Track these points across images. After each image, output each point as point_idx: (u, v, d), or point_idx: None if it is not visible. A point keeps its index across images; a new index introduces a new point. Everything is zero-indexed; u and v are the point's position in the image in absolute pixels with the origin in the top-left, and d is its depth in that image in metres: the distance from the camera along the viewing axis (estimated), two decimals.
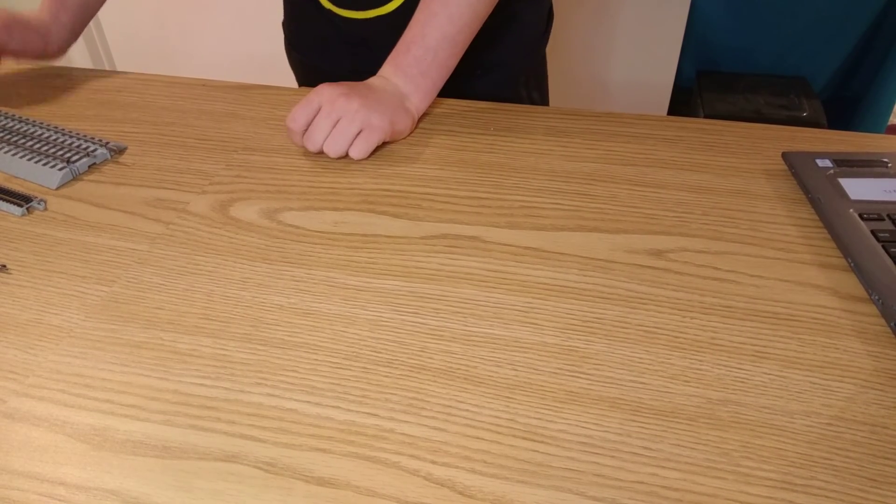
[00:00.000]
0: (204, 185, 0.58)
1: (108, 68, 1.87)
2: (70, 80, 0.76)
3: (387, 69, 0.64)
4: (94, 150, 0.61)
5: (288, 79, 0.85)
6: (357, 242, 0.51)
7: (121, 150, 0.63)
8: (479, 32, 0.67)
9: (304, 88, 0.75)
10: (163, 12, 1.64)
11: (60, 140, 0.62)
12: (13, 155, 0.60)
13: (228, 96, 0.71)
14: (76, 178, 0.59)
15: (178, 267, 0.50)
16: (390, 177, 0.58)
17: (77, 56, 1.84)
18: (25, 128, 0.65)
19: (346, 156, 0.60)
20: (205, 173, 0.59)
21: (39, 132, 0.64)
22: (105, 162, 0.61)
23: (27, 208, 0.55)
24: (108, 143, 0.62)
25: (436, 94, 0.65)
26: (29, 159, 0.60)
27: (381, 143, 0.60)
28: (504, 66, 0.74)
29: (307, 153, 0.62)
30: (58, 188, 0.58)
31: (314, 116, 0.59)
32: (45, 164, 0.59)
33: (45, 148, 0.61)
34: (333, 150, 0.59)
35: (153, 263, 0.50)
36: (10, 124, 0.65)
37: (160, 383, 0.41)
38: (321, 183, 0.58)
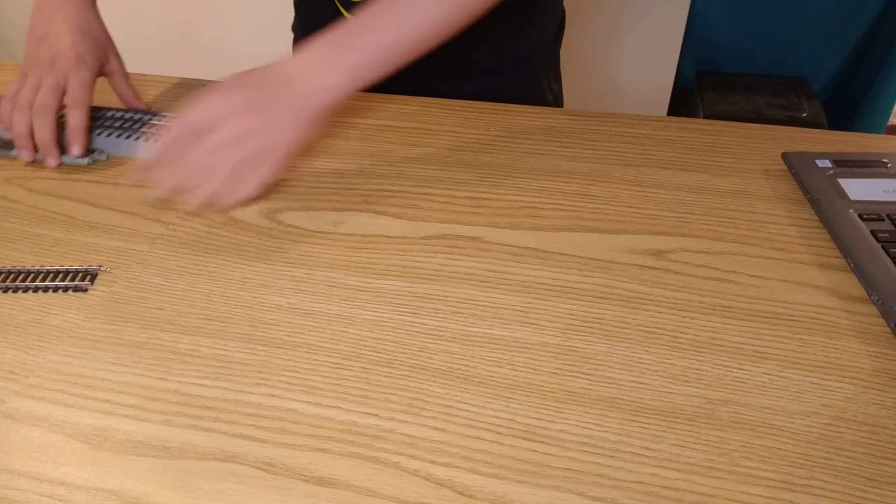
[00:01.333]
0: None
1: None
2: None
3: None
4: None
5: None
6: (357, 242, 0.51)
7: None
8: (508, 27, 0.68)
9: None
10: (163, 12, 1.64)
11: None
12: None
13: None
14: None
15: (178, 267, 0.50)
16: (390, 177, 0.58)
17: None
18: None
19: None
20: None
21: None
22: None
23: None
24: None
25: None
26: None
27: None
28: (530, 60, 0.75)
29: (307, 153, 0.62)
30: None
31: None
32: None
33: None
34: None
35: (153, 263, 0.50)
36: (142, 117, 0.66)
37: (160, 383, 0.41)
38: (321, 183, 0.58)
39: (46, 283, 0.48)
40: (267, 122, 0.52)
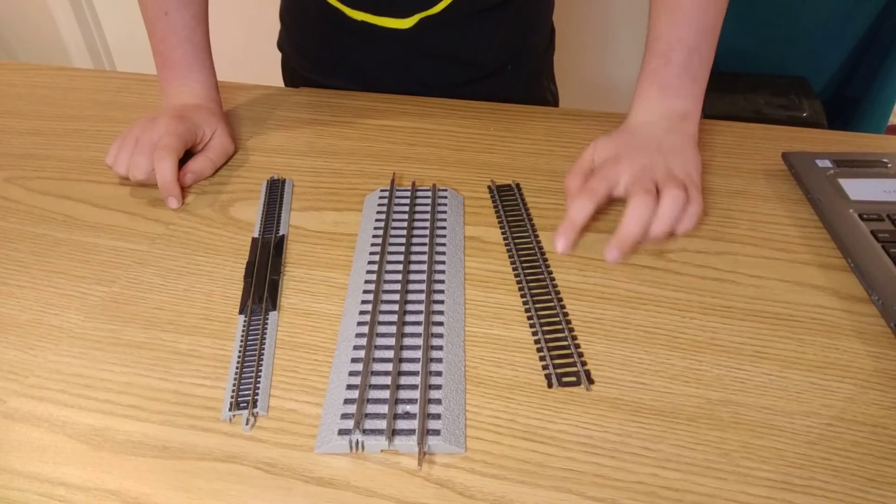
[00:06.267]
0: (204, 185, 0.58)
1: (108, 68, 1.87)
2: (70, 80, 0.76)
3: (650, 92, 0.54)
4: None
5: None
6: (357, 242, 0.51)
7: None
8: (508, 30, 0.69)
9: (300, 89, 0.75)
10: None
11: None
12: None
13: (227, 96, 0.71)
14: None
15: (178, 267, 0.50)
16: (390, 176, 0.58)
17: (77, 56, 1.83)
18: None
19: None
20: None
21: None
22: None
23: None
24: None
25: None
26: None
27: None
28: (530, 59, 0.76)
29: (307, 153, 0.62)
30: None
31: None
32: None
33: None
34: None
35: (153, 263, 0.50)
36: None
37: (160, 383, 0.41)
38: (321, 183, 0.58)
39: None
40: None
